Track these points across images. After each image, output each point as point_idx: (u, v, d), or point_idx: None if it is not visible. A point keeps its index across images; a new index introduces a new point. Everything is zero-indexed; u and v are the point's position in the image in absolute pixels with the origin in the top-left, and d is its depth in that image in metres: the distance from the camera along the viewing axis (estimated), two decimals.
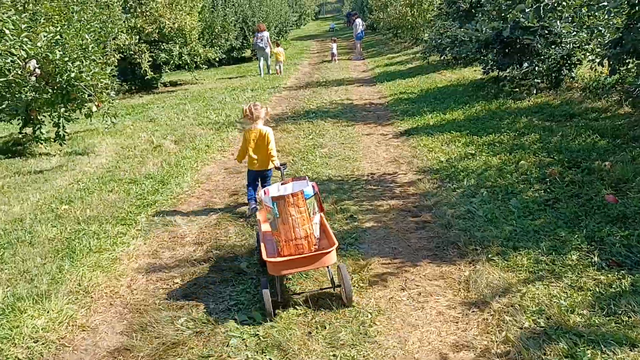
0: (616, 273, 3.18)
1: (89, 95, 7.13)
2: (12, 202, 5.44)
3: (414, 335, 2.87)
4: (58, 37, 6.72)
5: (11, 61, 6.18)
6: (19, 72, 6.37)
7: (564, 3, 6.47)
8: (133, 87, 15.33)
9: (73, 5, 7.48)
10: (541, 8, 4.89)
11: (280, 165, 4.47)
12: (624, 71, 6.97)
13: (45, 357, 2.94)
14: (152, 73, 13.48)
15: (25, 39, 6.23)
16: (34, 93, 6.81)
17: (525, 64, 8.44)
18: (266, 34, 16.01)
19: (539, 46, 7.86)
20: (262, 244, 3.38)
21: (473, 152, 5.96)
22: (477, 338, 2.79)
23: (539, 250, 3.56)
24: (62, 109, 7.40)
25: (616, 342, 2.57)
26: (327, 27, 42.53)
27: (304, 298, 3.32)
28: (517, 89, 8.79)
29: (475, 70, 11.74)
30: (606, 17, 6.42)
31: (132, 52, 12.77)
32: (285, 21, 27.77)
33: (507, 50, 8.71)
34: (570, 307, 2.90)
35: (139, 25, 12.95)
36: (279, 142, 7.14)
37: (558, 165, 5.04)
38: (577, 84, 8.31)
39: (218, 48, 17.70)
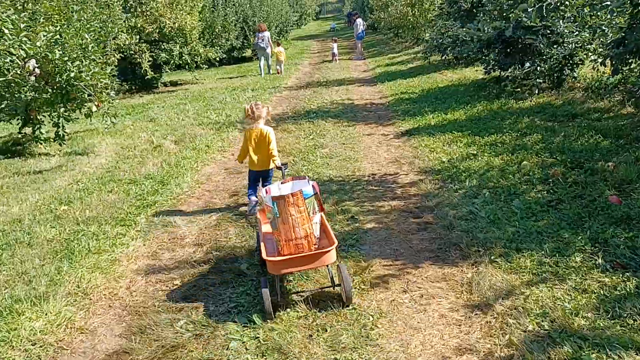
0: (621, 275, 3.14)
1: (88, 95, 7.10)
2: (11, 202, 5.41)
3: (416, 339, 2.83)
4: (57, 36, 6.69)
5: (10, 61, 6.15)
6: (18, 72, 6.33)
7: (567, 2, 6.43)
8: (133, 87, 15.30)
9: (73, 4, 7.45)
10: (544, 7, 4.85)
11: (282, 165, 4.44)
12: (626, 71, 6.93)
13: None
14: (152, 73, 13.45)
15: (25, 39, 6.19)
16: (33, 93, 6.78)
17: (527, 64, 8.39)
18: (267, 34, 15.98)
19: (542, 46, 7.82)
20: (262, 244, 3.37)
21: (475, 152, 5.93)
22: (480, 341, 2.75)
23: (542, 252, 3.52)
24: (62, 109, 7.37)
25: (622, 345, 2.53)
26: (327, 27, 42.48)
27: (304, 297, 3.30)
28: (519, 89, 8.75)
29: (476, 70, 11.70)
30: (609, 16, 6.38)
31: (132, 52, 12.75)
32: (286, 21, 27.73)
33: (508, 50, 8.67)
34: (575, 310, 2.86)
35: (139, 25, 12.93)
36: (280, 142, 7.10)
37: (561, 165, 5.01)
38: (579, 84, 8.27)
39: (218, 48, 17.66)
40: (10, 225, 4.76)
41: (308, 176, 3.82)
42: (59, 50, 6.54)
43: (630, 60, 6.29)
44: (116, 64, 10.24)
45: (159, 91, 15.05)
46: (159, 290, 3.60)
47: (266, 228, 3.64)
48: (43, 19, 6.96)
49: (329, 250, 3.13)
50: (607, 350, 2.50)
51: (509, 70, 9.16)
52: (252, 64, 20.23)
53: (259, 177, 4.83)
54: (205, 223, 4.72)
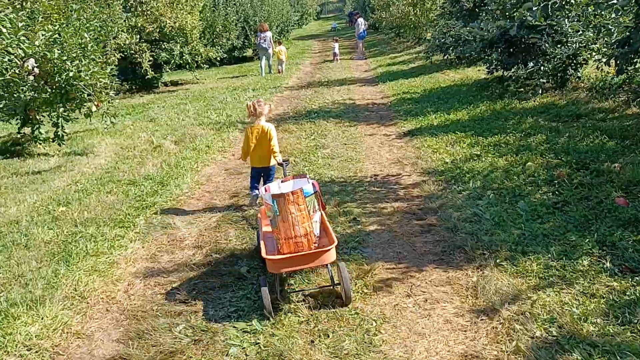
0: (630, 279, 3.07)
1: (88, 95, 7.03)
2: (9, 203, 5.34)
3: (420, 345, 2.76)
4: (56, 35, 6.62)
5: (8, 60, 6.09)
6: (17, 71, 6.27)
7: (572, 1, 6.35)
8: (133, 87, 15.25)
9: (72, 3, 7.38)
10: (549, 6, 4.78)
11: (283, 161, 4.48)
12: (631, 71, 6.85)
13: None
14: (152, 72, 13.40)
15: (23, 38, 6.13)
16: (32, 92, 6.72)
17: (531, 64, 8.32)
18: (269, 34, 15.91)
19: (547, 45, 7.74)
20: (262, 242, 3.34)
21: (478, 153, 5.85)
22: (486, 348, 2.68)
23: (549, 255, 3.45)
24: (61, 109, 7.31)
25: (632, 352, 2.46)
26: (329, 26, 42.40)
27: (304, 296, 3.26)
28: (522, 89, 8.67)
29: (479, 70, 11.62)
30: (614, 15, 6.30)
31: (132, 52, 12.69)
32: (287, 20, 27.66)
33: (511, 49, 8.60)
34: (583, 315, 2.79)
35: (139, 24, 12.87)
36: (281, 142, 7.03)
37: (566, 166, 4.93)
38: (583, 84, 8.19)
39: (219, 47, 17.61)
40: (7, 227, 4.69)
41: (308, 176, 3.76)
42: (57, 50, 6.47)
43: (635, 60, 6.21)
44: (116, 63, 10.19)
45: (160, 91, 14.99)
46: (157, 293, 3.53)
47: (266, 227, 3.60)
48: (42, 17, 6.90)
49: (329, 249, 3.10)
50: (618, 357, 2.44)
51: (512, 70, 9.09)
52: (253, 63, 20.17)
53: (261, 173, 4.83)
54: (205, 225, 4.65)
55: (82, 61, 6.81)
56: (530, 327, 2.76)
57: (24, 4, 6.89)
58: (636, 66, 6.61)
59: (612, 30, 6.19)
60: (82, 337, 3.08)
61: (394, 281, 3.42)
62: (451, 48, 12.53)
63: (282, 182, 3.55)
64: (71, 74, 6.61)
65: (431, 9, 18.30)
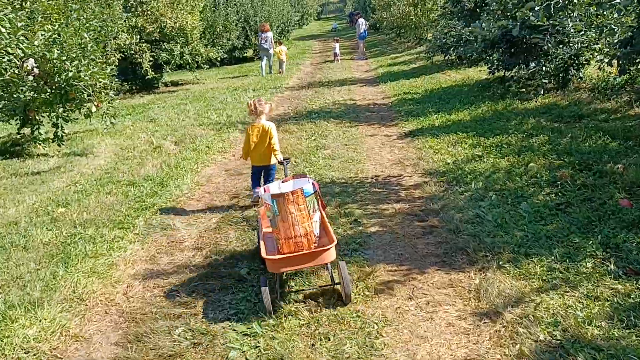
0: (634, 282, 3.03)
1: (88, 95, 7.00)
2: (8, 204, 5.31)
3: (422, 348, 2.73)
4: (56, 35, 6.59)
5: (8, 60, 6.06)
6: (16, 72, 6.24)
7: (575, 1, 6.31)
8: (134, 87, 15.21)
9: (72, 3, 7.35)
10: (551, 6, 4.74)
11: (284, 159, 4.48)
12: (634, 71, 6.81)
13: None
14: (153, 73, 13.37)
15: (22, 38, 6.10)
16: (32, 93, 6.69)
17: (532, 64, 8.28)
18: (270, 34, 15.90)
19: (549, 45, 7.71)
20: (262, 242, 3.33)
21: (480, 153, 5.82)
22: (489, 351, 2.64)
23: (552, 257, 3.41)
24: (61, 109, 7.28)
25: (638, 356, 2.42)
26: (329, 27, 42.39)
27: (304, 299, 3.24)
28: (524, 90, 8.63)
29: (480, 70, 11.59)
30: (616, 15, 6.27)
31: (132, 52, 12.66)
32: (288, 21, 27.62)
33: (513, 49, 8.56)
34: (588, 319, 2.75)
35: (139, 25, 12.84)
36: (281, 143, 6.98)
37: (569, 167, 4.89)
38: (585, 84, 8.15)
39: (220, 48, 17.58)
40: (6, 228, 4.66)
41: (308, 175, 3.74)
42: (57, 50, 6.44)
43: (638, 60, 6.18)
44: (116, 63, 10.16)
45: (160, 91, 14.95)
46: (156, 296, 3.50)
47: (266, 227, 3.58)
48: (41, 17, 6.87)
49: (329, 249, 3.08)
50: None
51: (514, 71, 9.06)
52: (254, 64, 20.14)
53: (261, 171, 4.83)
54: (205, 226, 4.62)
55: (81, 61, 6.78)
56: (534, 330, 2.72)
57: (24, 3, 6.86)
58: (639, 66, 6.58)
59: (615, 30, 6.15)
60: (80, 340, 3.05)
61: (395, 283, 3.38)
62: (452, 48, 12.50)
63: (282, 182, 3.54)
64: (71, 74, 6.58)
65: (432, 9, 18.27)
